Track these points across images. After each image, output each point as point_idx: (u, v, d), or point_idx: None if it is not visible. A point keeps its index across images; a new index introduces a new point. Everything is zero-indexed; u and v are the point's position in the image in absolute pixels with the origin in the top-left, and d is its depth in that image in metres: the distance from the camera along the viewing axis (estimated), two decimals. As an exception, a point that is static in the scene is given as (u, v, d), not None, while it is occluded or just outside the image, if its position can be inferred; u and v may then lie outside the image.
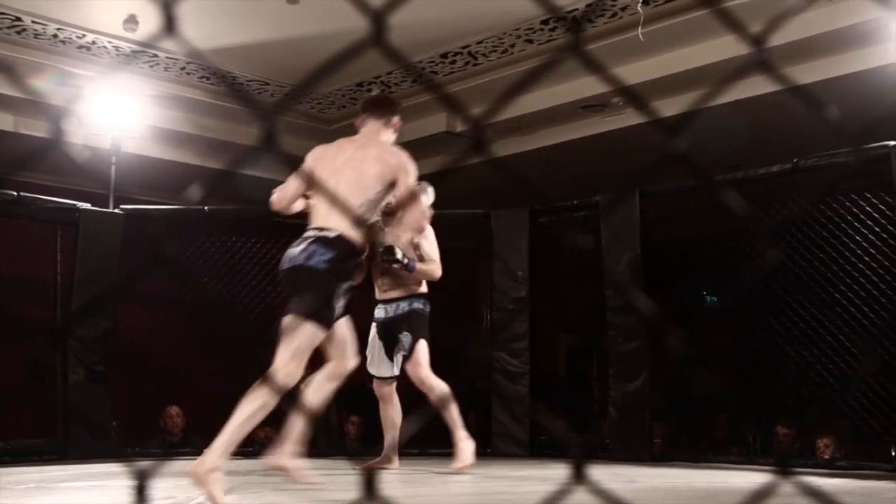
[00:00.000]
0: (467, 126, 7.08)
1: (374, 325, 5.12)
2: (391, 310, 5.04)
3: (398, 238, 4.84)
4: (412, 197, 3.84)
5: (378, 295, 5.13)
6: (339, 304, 3.39)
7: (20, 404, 6.29)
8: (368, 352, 4.98)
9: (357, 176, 3.59)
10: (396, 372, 5.00)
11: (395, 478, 4.71)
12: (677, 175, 5.44)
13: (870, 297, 5.27)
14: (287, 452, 3.86)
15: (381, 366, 5.05)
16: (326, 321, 3.33)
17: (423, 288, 5.07)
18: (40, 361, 6.27)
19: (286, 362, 3.24)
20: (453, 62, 7.06)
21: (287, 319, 3.30)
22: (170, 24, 0.67)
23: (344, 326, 3.63)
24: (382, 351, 5.04)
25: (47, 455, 5.99)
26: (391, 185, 3.58)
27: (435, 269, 5.00)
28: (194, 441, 6.92)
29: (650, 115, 0.80)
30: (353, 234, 3.38)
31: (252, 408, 3.18)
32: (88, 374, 6.16)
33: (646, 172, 3.00)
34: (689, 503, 3.34)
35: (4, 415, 6.56)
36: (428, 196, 4.57)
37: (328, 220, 3.41)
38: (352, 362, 3.71)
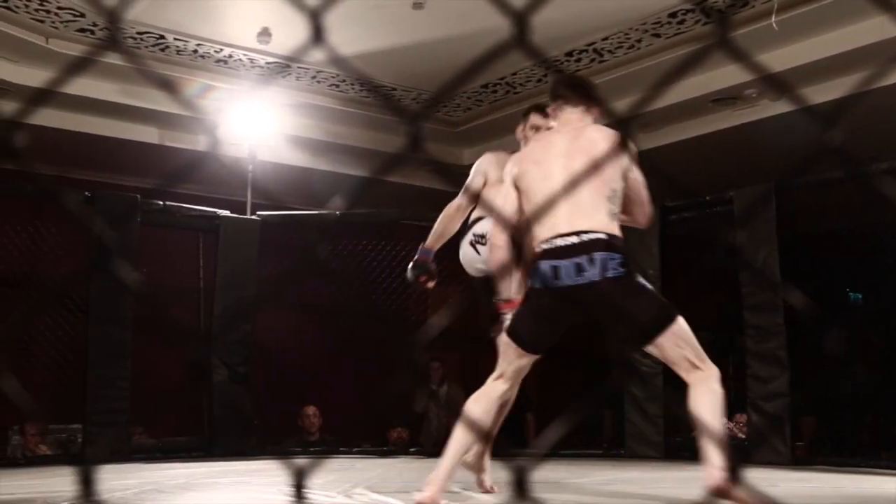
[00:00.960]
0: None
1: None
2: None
3: None
4: (644, 190, 3.29)
5: None
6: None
7: (172, 405, 6.58)
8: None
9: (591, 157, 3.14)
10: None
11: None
12: (817, 168, 5.24)
13: None
14: None
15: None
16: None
17: None
18: (197, 364, 6.53)
19: (704, 368, 2.95)
20: (579, 60, 7.00)
21: (662, 339, 2.94)
22: (318, 34, 0.69)
23: None
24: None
25: (194, 452, 6.22)
26: (619, 174, 3.15)
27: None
28: (329, 440, 7.11)
29: (800, 103, 0.77)
30: (617, 230, 3.06)
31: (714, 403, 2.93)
32: (231, 374, 6.36)
33: (802, 163, 2.89)
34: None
35: (157, 416, 6.89)
36: None
37: (583, 220, 3.02)
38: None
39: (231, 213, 6.73)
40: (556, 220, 3.01)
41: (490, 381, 3.22)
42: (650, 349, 3.01)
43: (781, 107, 6.86)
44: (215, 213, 6.65)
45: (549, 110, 3.46)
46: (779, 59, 6.37)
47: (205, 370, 6.37)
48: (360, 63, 6.88)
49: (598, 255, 2.89)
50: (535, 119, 4.01)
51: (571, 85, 3.48)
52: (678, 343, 2.93)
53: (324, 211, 6.73)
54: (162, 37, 6.64)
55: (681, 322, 2.94)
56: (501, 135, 8.23)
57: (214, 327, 6.47)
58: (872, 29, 5.91)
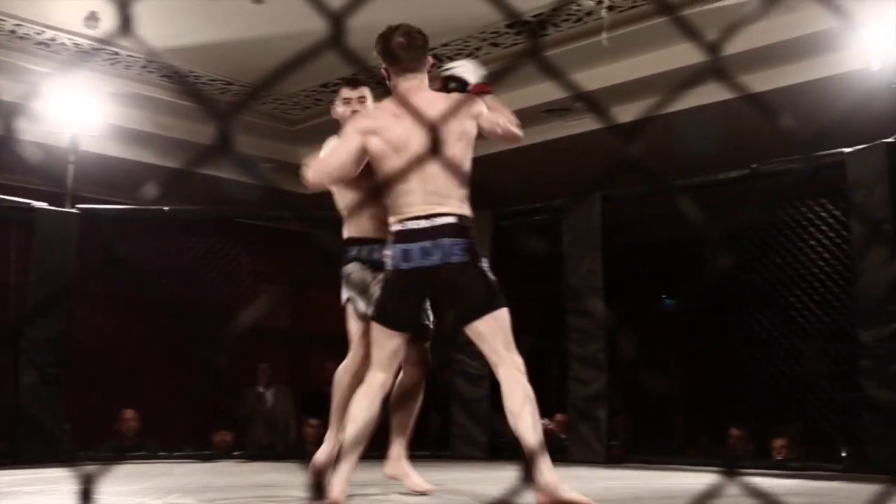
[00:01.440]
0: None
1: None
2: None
3: None
4: (505, 115, 3.36)
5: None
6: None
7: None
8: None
9: (449, 146, 3.14)
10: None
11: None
12: (640, 180, 5.49)
13: (823, 300, 5.35)
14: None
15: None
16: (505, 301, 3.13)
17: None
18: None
19: (513, 359, 3.11)
20: (416, 64, 7.05)
21: (480, 323, 3.06)
22: (126, 24, 0.66)
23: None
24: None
25: (-2, 460, 5.89)
26: (467, 135, 3.20)
27: None
28: (149, 444, 6.87)
29: (607, 121, 0.81)
30: (468, 212, 3.15)
31: (533, 410, 3.00)
32: (41, 376, 6.06)
33: (604, 178, 3.07)
34: (644, 503, 3.37)
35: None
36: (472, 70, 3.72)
37: (438, 204, 3.07)
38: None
39: (48, 205, 6.42)
40: (409, 200, 3.07)
41: (368, 374, 3.23)
42: (470, 331, 3.11)
43: (604, 119, 7.14)
44: (30, 204, 6.33)
45: (382, 70, 3.41)
46: (610, 73, 6.65)
47: None
48: (197, 55, 6.70)
49: (444, 241, 3.00)
50: (344, 92, 4.17)
51: (407, 45, 3.43)
52: (498, 329, 3.07)
53: (150, 207, 6.51)
54: (-25, 14, 6.24)
55: (505, 312, 3.09)
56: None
57: (25, 325, 6.15)
58: (688, 53, 6.24)
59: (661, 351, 9.54)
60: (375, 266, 3.58)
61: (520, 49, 6.74)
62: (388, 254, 3.11)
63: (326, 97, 7.70)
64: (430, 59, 3.50)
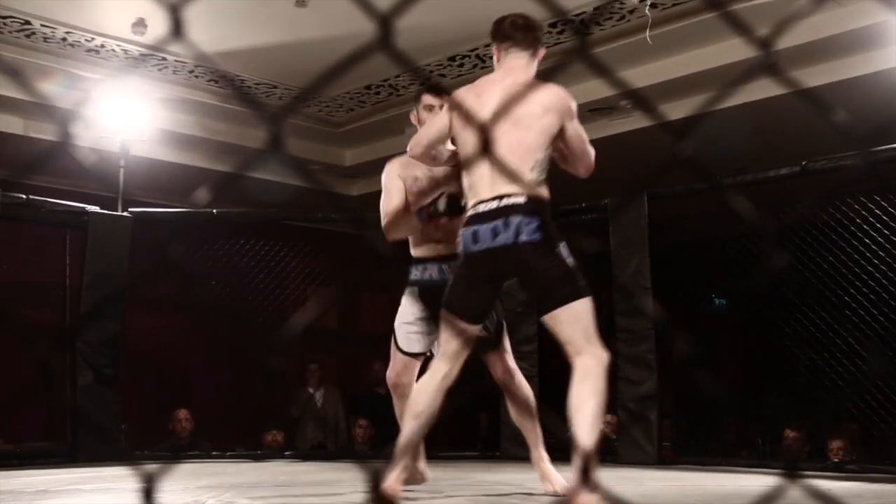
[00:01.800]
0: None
1: (412, 289, 4.01)
2: (449, 270, 3.72)
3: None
4: (585, 143, 3.21)
5: (424, 250, 3.99)
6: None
7: (29, 407, 6.30)
8: (400, 323, 3.99)
9: (522, 131, 3.03)
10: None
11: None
12: (687, 178, 5.44)
13: (879, 299, 5.26)
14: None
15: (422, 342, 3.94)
16: (589, 290, 2.92)
17: None
18: (49, 365, 6.27)
19: (591, 349, 2.87)
20: (461, 65, 7.06)
21: (560, 312, 2.86)
22: (177, 28, 0.67)
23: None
24: (425, 323, 3.90)
25: (55, 458, 5.98)
26: (552, 132, 3.07)
27: None
28: (202, 444, 6.96)
29: (657, 119, 0.80)
30: (544, 193, 3.02)
31: (597, 409, 2.82)
32: (97, 377, 6.15)
33: (654, 176, 3.02)
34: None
35: (13, 418, 6.59)
36: None
37: (506, 185, 2.93)
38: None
39: (101, 209, 6.51)
40: (480, 185, 2.98)
41: (433, 364, 3.15)
42: (548, 321, 2.92)
43: (651, 118, 7.09)
44: (83, 208, 6.42)
45: (494, 51, 3.39)
46: (653, 72, 6.60)
47: (51, 372, 6.13)
48: (242, 59, 6.76)
49: (513, 219, 2.84)
50: (427, 99, 4.02)
51: (521, 26, 3.33)
52: (576, 320, 2.87)
53: (200, 210, 6.58)
54: (28, 22, 6.35)
55: (587, 302, 2.88)
56: (384, 136, 8.24)
57: (80, 328, 6.24)
58: (734, 49, 6.18)
59: (712, 351, 9.45)
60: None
61: (564, 48, 6.71)
62: (459, 239, 3.03)
63: (370, 99, 7.75)
64: (542, 50, 3.35)
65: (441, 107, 3.87)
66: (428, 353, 3.92)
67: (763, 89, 6.04)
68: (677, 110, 6.39)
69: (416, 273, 3.99)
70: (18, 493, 3.97)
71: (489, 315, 3.12)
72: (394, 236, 3.98)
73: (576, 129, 3.14)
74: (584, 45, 0.71)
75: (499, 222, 2.85)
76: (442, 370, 3.05)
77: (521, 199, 2.88)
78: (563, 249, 2.90)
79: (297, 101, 7.28)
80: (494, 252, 2.86)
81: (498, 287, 3.09)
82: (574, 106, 3.14)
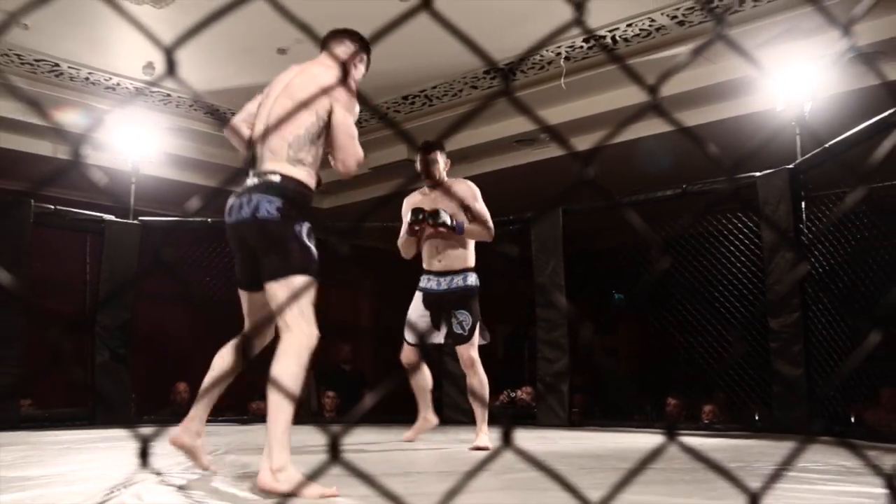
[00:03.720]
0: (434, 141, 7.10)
1: (419, 293, 4.21)
2: (444, 283, 4.12)
3: (447, 203, 4.10)
4: (347, 135, 2.58)
5: (428, 265, 4.19)
6: (313, 248, 2.44)
7: (55, 380, 6.18)
8: (408, 319, 4.20)
9: (288, 106, 2.60)
10: (440, 341, 4.16)
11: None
12: (593, 196, 5.51)
13: (741, 295, 5.37)
14: None
15: (415, 334, 4.22)
16: (314, 270, 2.41)
17: (473, 259, 4.21)
18: (63, 345, 6.10)
19: (297, 325, 2.34)
20: (412, 103, 7.06)
21: (273, 285, 2.40)
22: (171, 68, 0.65)
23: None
24: (426, 320, 4.15)
25: (77, 421, 5.89)
26: (323, 117, 2.53)
27: (486, 228, 4.14)
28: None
29: (568, 149, 0.80)
30: (300, 175, 2.51)
31: (291, 383, 2.29)
32: (112, 355, 6.07)
33: (565, 194, 2.98)
34: (601, 459, 3.36)
35: (42, 387, 6.46)
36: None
37: (268, 162, 2.51)
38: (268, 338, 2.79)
39: (115, 217, 6.40)
40: (256, 158, 2.54)
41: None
42: (267, 291, 2.43)
43: (565, 148, 7.16)
44: (101, 217, 6.32)
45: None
46: (568, 111, 6.67)
47: (65, 352, 5.97)
48: (231, 96, 6.67)
49: (255, 196, 2.43)
50: (418, 156, 4.23)
51: (340, 31, 2.88)
52: (292, 295, 2.38)
53: (196, 218, 6.48)
54: (57, 64, 6.21)
55: (303, 281, 2.37)
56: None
57: (97, 315, 6.14)
58: (633, 94, 6.27)
59: (612, 336, 9.55)
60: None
61: (494, 91, 6.74)
62: None
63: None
64: (351, 46, 2.81)
65: (427, 160, 4.10)
66: (428, 343, 4.27)
67: (652, 127, 6.15)
68: (584, 143, 6.47)
69: (422, 282, 4.21)
70: (47, 448, 3.88)
71: (252, 279, 2.57)
72: (403, 253, 4.22)
73: (343, 117, 2.55)
74: (510, 89, 0.71)
75: (245, 198, 2.46)
76: (238, 336, 2.74)
77: (274, 178, 2.46)
78: (302, 230, 2.42)
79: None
80: (238, 225, 2.49)
81: (253, 258, 2.52)
82: (346, 96, 2.55)
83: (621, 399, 7.08)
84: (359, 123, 8.00)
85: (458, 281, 4.10)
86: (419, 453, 3.80)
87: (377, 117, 7.31)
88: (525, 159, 7.63)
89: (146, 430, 0.66)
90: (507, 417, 4.95)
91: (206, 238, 6.71)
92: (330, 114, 2.53)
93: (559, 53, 6.03)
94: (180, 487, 2.37)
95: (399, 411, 5.76)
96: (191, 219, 6.42)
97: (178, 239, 6.69)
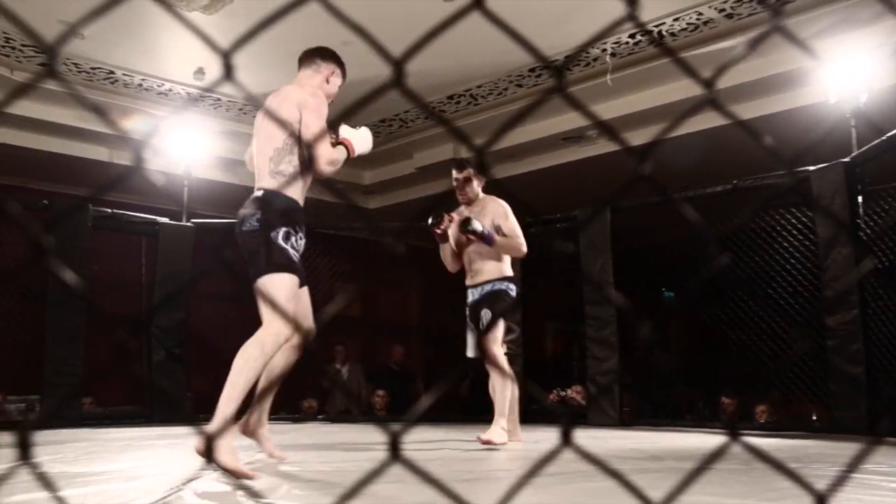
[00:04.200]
0: (472, 154, 7.08)
1: (466, 309, 4.36)
2: (477, 293, 4.25)
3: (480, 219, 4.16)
4: (314, 136, 2.84)
5: (468, 279, 4.34)
6: (290, 247, 2.74)
7: (115, 379, 6.35)
8: (468, 336, 4.34)
9: (267, 126, 2.89)
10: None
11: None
12: (642, 193, 5.43)
13: (796, 291, 5.24)
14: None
15: (472, 348, 4.34)
16: (286, 268, 2.71)
17: (509, 271, 4.26)
18: (127, 346, 6.26)
19: (268, 322, 2.66)
20: (458, 102, 7.06)
21: (255, 286, 2.72)
22: (228, 74, 0.66)
23: (303, 297, 3.03)
24: (473, 334, 4.31)
25: (136, 419, 6.03)
26: (295, 127, 2.82)
27: (517, 243, 4.15)
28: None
29: (621, 144, 0.79)
30: (279, 186, 2.80)
31: (243, 371, 2.65)
32: (168, 355, 6.18)
33: (618, 192, 2.93)
34: (655, 459, 3.31)
35: (101, 386, 6.63)
36: (363, 138, 3.27)
37: (258, 181, 2.89)
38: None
39: (169, 220, 6.54)
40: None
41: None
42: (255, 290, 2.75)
43: (614, 145, 7.09)
44: (155, 219, 6.46)
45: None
46: (614, 108, 6.59)
47: (129, 352, 6.12)
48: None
49: (244, 213, 2.76)
50: (453, 173, 4.31)
51: (310, 50, 3.16)
52: (265, 292, 2.70)
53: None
54: (112, 72, 6.37)
55: (270, 280, 2.68)
56: (395, 160, 8.23)
57: (154, 316, 6.27)
58: (681, 89, 6.17)
59: (663, 335, 9.42)
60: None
61: (540, 88, 6.71)
62: None
63: (384, 130, 7.74)
64: (326, 66, 3.14)
65: (461, 179, 4.22)
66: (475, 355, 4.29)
67: (709, 120, 6.04)
68: (630, 139, 6.39)
69: (467, 297, 4.35)
70: (108, 445, 3.98)
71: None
72: (448, 267, 4.37)
73: (308, 123, 2.81)
74: (561, 84, 0.70)
75: (239, 215, 2.79)
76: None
77: (258, 194, 2.80)
78: (279, 235, 2.71)
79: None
80: (237, 237, 2.80)
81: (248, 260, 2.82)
82: (313, 101, 2.86)
83: (673, 398, 6.98)
84: (404, 123, 8.06)
85: (487, 288, 4.21)
86: (473, 452, 3.80)
87: (427, 115, 7.34)
88: (572, 157, 7.56)
89: (209, 428, 0.67)
90: (567, 416, 4.88)
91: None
92: (301, 122, 2.80)
93: (604, 50, 5.96)
94: (239, 485, 2.41)
95: (448, 409, 5.76)
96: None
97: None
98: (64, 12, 5.14)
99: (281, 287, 2.69)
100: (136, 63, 6.23)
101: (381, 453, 3.58)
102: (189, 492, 2.20)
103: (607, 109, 6.57)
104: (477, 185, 4.27)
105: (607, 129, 0.83)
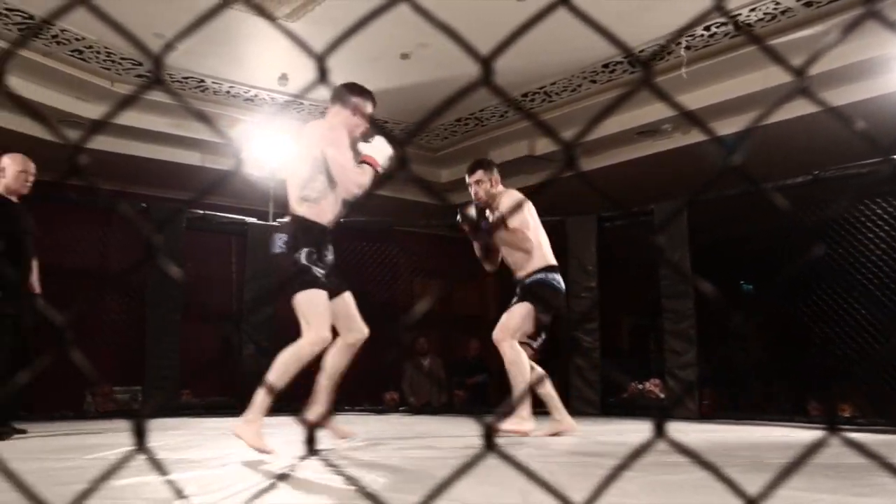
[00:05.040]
0: (559, 147, 7.03)
1: None
2: (517, 290, 4.20)
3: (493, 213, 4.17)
4: (339, 166, 3.08)
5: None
6: (313, 264, 3.05)
7: (209, 371, 6.57)
8: None
9: (294, 158, 3.23)
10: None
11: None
12: (720, 185, 5.27)
13: (882, 284, 5.00)
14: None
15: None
16: (313, 284, 3.02)
17: (540, 263, 4.13)
18: (232, 340, 6.49)
19: (305, 333, 3.08)
20: (532, 100, 7.01)
21: (294, 303, 3.08)
22: (322, 76, 0.67)
23: (342, 303, 3.28)
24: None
25: (229, 409, 6.19)
26: (318, 158, 3.10)
27: (518, 238, 4.08)
28: (337, 401, 7.07)
29: (709, 134, 0.76)
30: (305, 211, 3.08)
31: (280, 371, 3.09)
32: (257, 349, 6.34)
33: (708, 184, 2.82)
34: (734, 451, 3.22)
35: (200, 380, 6.87)
36: (382, 150, 3.32)
37: (290, 207, 3.18)
38: (354, 335, 3.37)
39: (257, 220, 6.70)
40: None
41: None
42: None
43: (689, 139, 6.92)
44: (244, 219, 6.64)
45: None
46: (688, 101, 6.42)
47: (232, 345, 6.34)
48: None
49: (274, 235, 3.13)
50: (466, 178, 4.31)
51: (338, 87, 3.40)
52: (299, 307, 3.05)
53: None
54: (202, 80, 6.59)
55: (302, 297, 3.03)
56: (471, 159, 8.21)
57: (244, 311, 6.46)
58: (756, 80, 5.96)
59: (743, 328, 9.12)
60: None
61: (614, 83, 6.59)
62: None
63: (461, 129, 7.75)
64: (343, 107, 3.37)
65: (471, 182, 4.24)
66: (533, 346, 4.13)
67: (792, 110, 5.81)
68: (722, 129, 6.22)
69: None
70: (205, 433, 4.12)
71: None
72: (486, 266, 4.34)
73: (332, 156, 3.09)
74: (648, 77, 0.68)
75: (274, 236, 3.11)
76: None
77: (285, 219, 3.10)
78: (301, 255, 3.02)
79: (415, 132, 7.33)
80: (271, 258, 3.15)
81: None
82: (330, 135, 3.13)
83: (755, 392, 6.77)
84: (480, 122, 8.04)
85: (526, 283, 4.13)
86: (560, 444, 3.77)
87: (515, 111, 7.32)
88: (646, 151, 7.41)
89: (307, 417, 0.68)
90: (659, 410, 4.77)
91: (340, 237, 6.94)
92: (324, 155, 3.07)
93: (679, 43, 5.81)
94: (335, 472, 2.45)
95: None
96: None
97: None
98: (159, 27, 5.34)
99: (309, 302, 3.02)
100: (224, 71, 6.42)
101: (462, 443, 3.59)
102: (284, 478, 2.25)
103: (682, 103, 6.40)
104: (490, 186, 4.24)
105: (695, 119, 0.81)
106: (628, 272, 6.81)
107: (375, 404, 7.05)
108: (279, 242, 3.02)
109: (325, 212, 3.11)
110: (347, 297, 3.32)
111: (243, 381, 6.39)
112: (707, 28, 5.58)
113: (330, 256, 3.16)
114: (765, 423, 5.27)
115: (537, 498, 1.80)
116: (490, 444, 0.58)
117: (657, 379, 6.72)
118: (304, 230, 3.05)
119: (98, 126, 3.84)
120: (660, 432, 0.63)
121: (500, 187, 4.30)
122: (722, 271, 7.31)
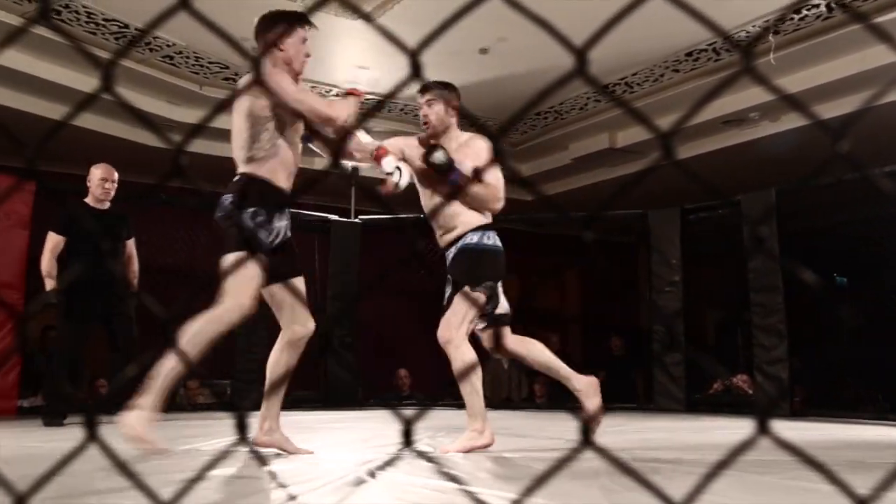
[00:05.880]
0: (641, 139, 6.91)
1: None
2: (447, 261, 3.33)
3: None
4: (288, 98, 2.73)
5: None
6: (258, 227, 2.65)
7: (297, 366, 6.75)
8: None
9: (234, 120, 2.78)
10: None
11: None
12: (810, 173, 5.06)
13: None
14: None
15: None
16: (248, 245, 2.62)
17: (479, 219, 3.28)
18: (331, 336, 6.63)
19: (223, 298, 2.58)
20: (613, 91, 6.88)
21: (223, 261, 2.65)
22: (416, 71, 0.68)
23: (288, 288, 2.81)
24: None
25: (312, 403, 6.34)
26: (257, 112, 2.72)
27: (489, 196, 3.25)
28: (417, 395, 7.14)
29: (812, 117, 0.74)
30: (252, 168, 2.70)
31: (189, 335, 2.55)
32: (339, 343, 6.46)
33: (815, 172, 2.71)
34: (832, 450, 3.09)
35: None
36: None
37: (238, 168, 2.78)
38: (296, 330, 2.85)
39: (339, 217, 6.83)
40: None
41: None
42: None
43: (776, 127, 6.66)
44: (327, 217, 6.77)
45: None
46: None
47: (330, 341, 6.46)
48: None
49: (222, 198, 2.70)
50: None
51: (260, 20, 2.97)
52: (226, 269, 2.62)
53: (411, 215, 6.76)
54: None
55: (233, 258, 2.63)
56: (551, 153, 8.15)
57: (328, 307, 6.58)
58: (853, 62, 5.69)
59: (836, 322, 8.74)
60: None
61: (697, 72, 6.40)
62: None
63: (539, 123, 7.68)
64: (276, 49, 2.93)
65: (423, 102, 3.51)
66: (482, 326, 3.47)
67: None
68: (792, 120, 5.97)
69: None
70: (288, 427, 4.21)
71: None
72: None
73: (281, 90, 2.71)
74: (749, 64, 0.66)
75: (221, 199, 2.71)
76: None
77: (235, 178, 2.72)
78: (245, 216, 2.63)
79: (508, 127, 7.32)
80: (216, 222, 2.71)
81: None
82: (267, 69, 2.76)
83: (849, 389, 6.48)
84: (559, 115, 7.95)
85: (452, 251, 3.32)
86: (640, 441, 3.71)
87: (609, 100, 7.22)
88: (732, 140, 7.18)
89: (408, 413, 0.69)
90: (764, 404, 4.59)
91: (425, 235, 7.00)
92: (259, 105, 2.69)
93: (767, 28, 5.60)
94: (431, 464, 2.47)
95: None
96: (408, 216, 6.71)
97: (405, 236, 7.01)
98: (245, 30, 5.49)
99: (239, 263, 2.65)
100: (306, 71, 6.53)
101: (546, 439, 3.57)
102: (367, 473, 2.29)
103: (766, 91, 6.17)
104: (444, 112, 3.38)
105: (797, 104, 0.77)
106: (713, 265, 6.63)
107: (457, 399, 7.09)
108: (224, 202, 2.68)
109: (276, 170, 2.72)
110: (297, 283, 2.83)
111: (328, 375, 6.53)
112: (797, 11, 5.36)
113: (281, 223, 2.73)
114: (860, 421, 5.05)
115: (621, 497, 1.76)
116: (587, 439, 0.58)
117: (745, 374, 6.52)
118: (251, 188, 2.67)
119: (197, 129, 3.97)
120: (763, 429, 0.61)
121: (455, 121, 3.43)
122: (815, 263, 7.02)
